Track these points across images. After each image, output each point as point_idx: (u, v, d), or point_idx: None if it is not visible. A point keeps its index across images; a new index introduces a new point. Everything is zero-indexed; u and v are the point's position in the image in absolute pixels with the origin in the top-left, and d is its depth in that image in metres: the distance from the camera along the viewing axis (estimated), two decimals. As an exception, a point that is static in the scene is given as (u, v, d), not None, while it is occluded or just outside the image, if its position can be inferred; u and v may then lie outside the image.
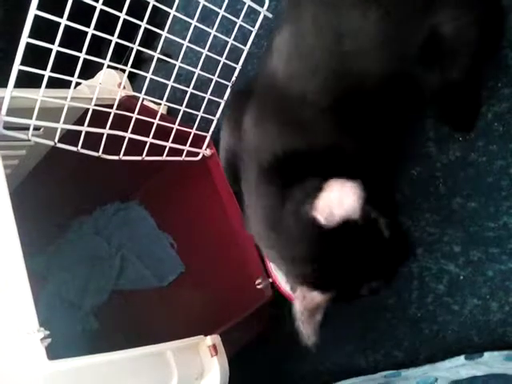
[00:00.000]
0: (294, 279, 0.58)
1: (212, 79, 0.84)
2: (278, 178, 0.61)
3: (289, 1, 0.64)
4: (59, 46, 0.63)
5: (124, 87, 0.81)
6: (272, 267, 0.86)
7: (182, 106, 0.83)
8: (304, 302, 0.56)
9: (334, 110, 0.59)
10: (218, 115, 0.90)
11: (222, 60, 0.83)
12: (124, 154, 0.77)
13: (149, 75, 0.76)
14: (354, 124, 0.60)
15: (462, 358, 0.71)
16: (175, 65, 0.79)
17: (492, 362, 0.66)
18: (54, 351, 0.51)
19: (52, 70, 0.64)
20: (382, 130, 0.62)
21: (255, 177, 0.65)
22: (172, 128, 0.83)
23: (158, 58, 0.76)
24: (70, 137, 0.72)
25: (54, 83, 0.66)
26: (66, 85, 0.69)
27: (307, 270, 0.56)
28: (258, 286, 0.84)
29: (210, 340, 0.68)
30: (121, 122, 0.75)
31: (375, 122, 0.61)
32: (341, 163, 0.58)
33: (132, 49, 0.72)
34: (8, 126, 0.65)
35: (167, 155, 0.84)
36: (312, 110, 0.59)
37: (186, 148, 0.87)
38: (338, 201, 0.48)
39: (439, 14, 0.58)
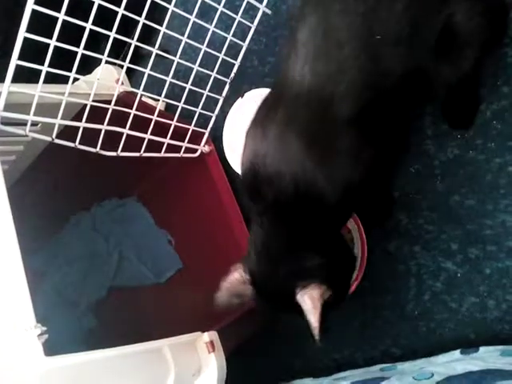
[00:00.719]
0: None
1: (211, 75, 0.84)
2: (288, 218, 0.60)
3: None
4: (57, 41, 0.62)
5: (122, 83, 0.81)
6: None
7: (180, 102, 0.83)
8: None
9: (358, 120, 0.58)
10: (216, 112, 0.89)
11: (221, 56, 0.83)
12: (122, 150, 0.77)
13: (147, 71, 0.76)
14: (375, 132, 0.60)
15: (457, 352, 0.72)
16: (174, 61, 0.79)
17: (488, 357, 0.67)
18: (52, 348, 0.51)
19: (50, 65, 0.63)
20: (395, 129, 0.64)
21: (269, 207, 0.61)
22: (170, 124, 0.83)
23: (157, 54, 0.75)
24: (67, 132, 0.71)
25: (51, 78, 0.66)
26: (63, 80, 0.68)
27: None
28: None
29: (207, 336, 0.68)
30: (119, 118, 0.75)
31: (390, 123, 0.62)
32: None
33: (130, 44, 0.72)
34: (5, 122, 0.65)
35: (165, 152, 0.84)
36: (337, 123, 0.58)
37: (185, 144, 0.87)
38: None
39: (453, 4, 0.59)
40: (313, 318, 0.57)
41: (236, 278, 0.64)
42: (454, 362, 0.67)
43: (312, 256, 0.60)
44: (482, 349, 0.68)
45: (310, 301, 0.58)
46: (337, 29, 0.57)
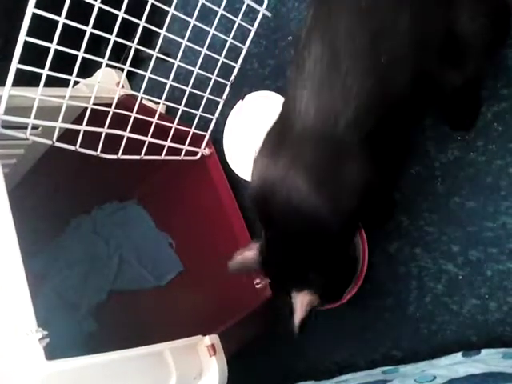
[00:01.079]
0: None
1: (211, 78, 0.84)
2: (294, 242, 0.65)
3: (316, 16, 0.60)
4: (58, 44, 0.62)
5: (123, 86, 0.81)
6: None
7: (180, 105, 0.83)
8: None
9: (364, 145, 0.59)
10: (216, 114, 0.89)
11: (221, 59, 0.83)
12: (122, 153, 0.77)
13: (147, 74, 0.76)
14: (382, 151, 0.62)
15: (459, 354, 0.72)
16: (174, 64, 0.79)
17: (489, 359, 0.66)
18: (53, 351, 0.51)
19: (50, 69, 0.63)
20: (401, 142, 0.66)
21: (277, 230, 0.65)
22: (171, 127, 0.83)
23: (157, 57, 0.76)
24: (68, 136, 0.71)
25: (52, 82, 0.66)
26: (64, 83, 0.68)
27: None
28: (257, 286, 0.84)
29: (208, 340, 0.68)
30: (119, 121, 0.75)
31: (397, 137, 0.64)
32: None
33: (131, 47, 0.72)
34: (6, 125, 0.65)
35: (166, 154, 0.84)
36: (343, 154, 0.59)
37: (185, 147, 0.87)
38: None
39: (456, 7, 0.59)
40: (297, 318, 0.65)
41: (250, 255, 0.69)
42: (456, 364, 0.67)
43: (312, 274, 0.66)
44: (483, 351, 0.68)
45: (299, 304, 0.65)
46: (342, 57, 0.57)
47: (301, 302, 0.65)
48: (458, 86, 0.65)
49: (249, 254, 0.69)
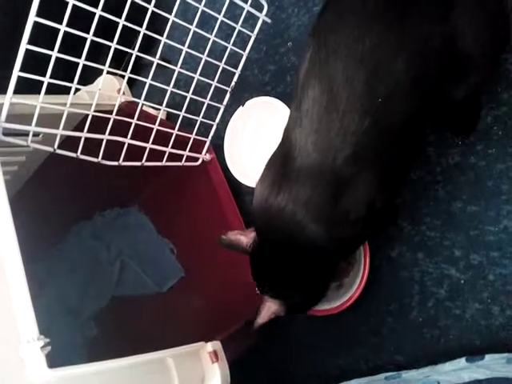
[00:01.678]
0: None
1: (211, 84, 0.84)
2: (287, 262, 0.68)
3: (314, 58, 0.61)
4: (58, 51, 0.62)
5: (123, 93, 0.81)
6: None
7: (181, 111, 0.83)
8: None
9: (363, 177, 0.61)
10: (217, 120, 0.90)
11: (221, 65, 0.84)
12: (123, 160, 0.77)
13: (148, 81, 0.76)
14: (382, 180, 0.64)
15: (462, 360, 0.71)
16: (174, 70, 0.79)
17: (494, 365, 0.66)
18: (54, 358, 0.50)
19: (51, 76, 0.63)
20: (402, 160, 0.67)
21: (273, 246, 0.68)
22: (171, 133, 0.83)
23: (158, 64, 0.76)
24: (69, 142, 0.71)
25: (53, 89, 0.66)
26: (65, 90, 0.68)
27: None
28: (258, 292, 0.84)
29: (210, 346, 0.68)
30: (120, 128, 0.75)
31: (398, 159, 0.65)
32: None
33: (131, 54, 0.72)
34: (7, 132, 0.65)
35: (167, 160, 0.84)
36: (342, 190, 0.61)
37: (186, 153, 0.87)
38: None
39: (458, 27, 0.59)
40: (259, 321, 0.72)
41: (243, 241, 0.73)
42: (459, 370, 0.66)
43: (290, 291, 0.71)
44: (487, 356, 0.68)
45: (266, 309, 0.71)
46: (339, 99, 0.58)
47: (268, 309, 0.71)
48: (461, 99, 0.66)
49: (243, 239, 0.73)
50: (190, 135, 0.86)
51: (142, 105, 0.78)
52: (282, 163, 0.65)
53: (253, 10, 0.82)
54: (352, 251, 0.79)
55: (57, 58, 0.63)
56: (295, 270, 0.68)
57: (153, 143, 0.80)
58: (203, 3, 0.76)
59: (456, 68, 0.62)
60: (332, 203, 0.62)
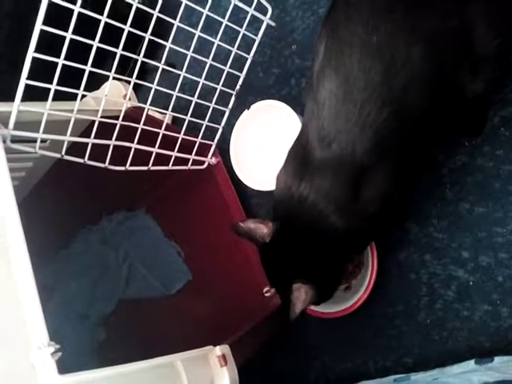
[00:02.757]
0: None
1: (216, 88, 0.85)
2: (304, 249, 0.69)
3: (328, 51, 0.61)
4: (65, 59, 0.63)
5: (129, 98, 0.82)
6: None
7: (186, 115, 0.83)
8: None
9: (382, 170, 0.62)
10: (222, 124, 0.90)
11: (226, 69, 0.84)
12: (130, 165, 0.77)
13: (154, 86, 0.76)
14: (401, 170, 0.65)
15: (471, 362, 0.71)
16: (180, 75, 0.79)
17: (503, 367, 0.66)
18: (63, 363, 0.51)
19: (58, 83, 0.64)
20: (419, 154, 0.68)
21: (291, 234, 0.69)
22: (177, 137, 0.83)
23: (163, 69, 0.76)
24: (76, 148, 0.72)
25: (59, 95, 0.66)
26: (71, 96, 0.69)
27: None
28: (266, 295, 0.84)
29: (219, 350, 0.68)
30: (127, 133, 0.75)
31: (415, 153, 0.66)
32: None
33: (137, 60, 0.73)
34: (15, 139, 0.65)
35: (173, 164, 0.84)
36: (361, 182, 0.62)
37: (192, 157, 0.87)
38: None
39: (473, 28, 0.59)
40: (297, 309, 0.67)
41: (262, 230, 0.70)
42: (468, 372, 0.66)
43: (320, 275, 0.69)
44: (496, 359, 0.67)
45: (304, 295, 0.67)
46: (356, 91, 0.58)
47: (305, 294, 0.67)
48: (481, 93, 0.65)
49: (263, 228, 0.70)
50: (195, 139, 0.86)
51: (148, 110, 0.78)
52: (302, 154, 0.65)
53: (257, 14, 0.82)
54: (364, 246, 0.79)
55: (63, 64, 0.63)
56: (317, 257, 0.69)
57: (159, 147, 0.80)
58: (207, 7, 0.76)
59: (471, 60, 0.61)
60: (351, 195, 0.63)
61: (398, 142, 0.61)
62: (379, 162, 0.61)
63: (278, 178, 0.69)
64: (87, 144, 0.71)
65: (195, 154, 0.88)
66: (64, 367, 0.50)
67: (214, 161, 0.93)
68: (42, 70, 0.61)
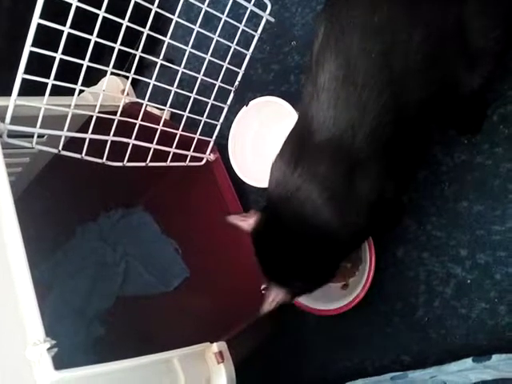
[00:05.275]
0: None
1: (215, 84, 0.84)
2: (294, 246, 0.66)
3: (328, 32, 0.60)
4: (62, 53, 0.62)
5: (127, 94, 0.81)
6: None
7: (185, 111, 0.83)
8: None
9: (380, 157, 0.61)
10: (221, 120, 0.89)
11: (225, 65, 0.83)
12: (128, 161, 0.77)
13: (152, 81, 0.76)
14: (397, 161, 0.63)
15: (469, 360, 0.71)
16: (178, 70, 0.79)
17: (501, 365, 0.66)
18: (60, 359, 0.50)
19: (56, 77, 0.63)
20: (416, 147, 0.67)
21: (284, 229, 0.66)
22: (175, 133, 0.83)
23: (161, 64, 0.76)
24: (73, 144, 0.72)
25: (57, 90, 0.66)
26: (68, 91, 0.69)
27: None
28: (264, 292, 0.84)
29: (216, 347, 0.68)
30: (124, 129, 0.75)
31: (412, 145, 0.65)
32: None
33: (135, 55, 0.72)
34: (12, 134, 0.65)
35: (171, 161, 0.84)
36: (358, 169, 0.60)
37: (190, 153, 0.87)
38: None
39: (470, 20, 0.59)
40: (265, 308, 0.69)
41: (248, 222, 0.71)
42: (466, 370, 0.66)
43: (297, 279, 0.69)
44: (494, 357, 0.67)
45: (272, 297, 0.68)
46: (356, 73, 0.57)
47: (274, 296, 0.68)
48: (477, 88, 0.65)
49: (248, 219, 0.71)
50: (193, 135, 0.86)
51: (146, 105, 0.78)
52: (300, 139, 0.64)
53: (256, 9, 0.82)
54: (358, 244, 0.76)
55: (61, 59, 0.63)
56: (302, 253, 0.66)
57: (157, 143, 0.79)
58: (206, 3, 0.76)
59: (468, 54, 0.61)
60: (347, 185, 0.61)
61: (396, 129, 0.60)
62: (376, 151, 0.60)
63: (272, 164, 0.67)
64: (85, 139, 0.71)
65: (193, 151, 0.87)
66: (61, 363, 0.50)
67: (212, 157, 0.92)
68: (40, 66, 0.61)
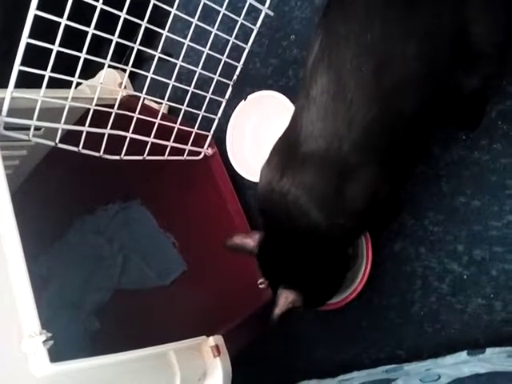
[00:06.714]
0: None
1: (213, 78, 0.84)
2: (290, 250, 0.68)
3: (323, 46, 0.61)
4: (60, 45, 0.62)
5: (125, 87, 0.81)
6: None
7: (183, 105, 0.82)
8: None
9: (368, 167, 0.61)
10: (219, 114, 0.89)
11: (224, 59, 0.83)
12: (125, 154, 0.76)
13: (150, 74, 0.76)
14: (390, 168, 0.64)
15: (464, 353, 0.71)
16: (176, 64, 0.78)
17: (495, 359, 0.66)
18: (56, 352, 0.50)
19: (53, 70, 0.63)
20: (409, 152, 0.67)
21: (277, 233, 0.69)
22: (173, 127, 0.82)
23: (159, 57, 0.75)
24: (71, 137, 0.71)
25: (54, 83, 0.66)
26: (66, 84, 0.68)
27: None
28: (260, 286, 0.84)
29: (212, 340, 0.68)
30: (122, 122, 0.75)
31: (405, 151, 0.65)
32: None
33: (133, 48, 0.72)
34: (8, 127, 0.65)
35: (169, 155, 0.83)
36: (346, 179, 0.61)
37: (188, 147, 0.87)
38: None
39: (471, 22, 0.59)
40: (277, 312, 0.68)
41: (248, 243, 0.72)
42: (461, 363, 0.66)
43: (302, 277, 0.69)
44: (488, 350, 0.67)
45: (283, 299, 0.68)
46: (347, 88, 0.58)
47: (285, 299, 0.68)
48: (479, 88, 0.65)
49: (248, 241, 0.72)
50: (191, 129, 0.86)
51: (144, 99, 0.78)
52: (288, 148, 0.65)
53: (255, 3, 0.81)
54: (351, 241, 0.77)
55: (58, 51, 0.62)
56: (303, 258, 0.68)
57: (154, 137, 0.79)
58: (205, -4, 0.75)
59: (467, 58, 0.61)
60: (335, 191, 0.62)
61: (386, 140, 0.61)
62: (366, 160, 0.61)
63: (261, 171, 0.68)
64: (82, 132, 0.70)
65: (191, 145, 0.87)
66: (56, 356, 0.50)
67: (210, 151, 0.92)
68: (37, 58, 0.61)
